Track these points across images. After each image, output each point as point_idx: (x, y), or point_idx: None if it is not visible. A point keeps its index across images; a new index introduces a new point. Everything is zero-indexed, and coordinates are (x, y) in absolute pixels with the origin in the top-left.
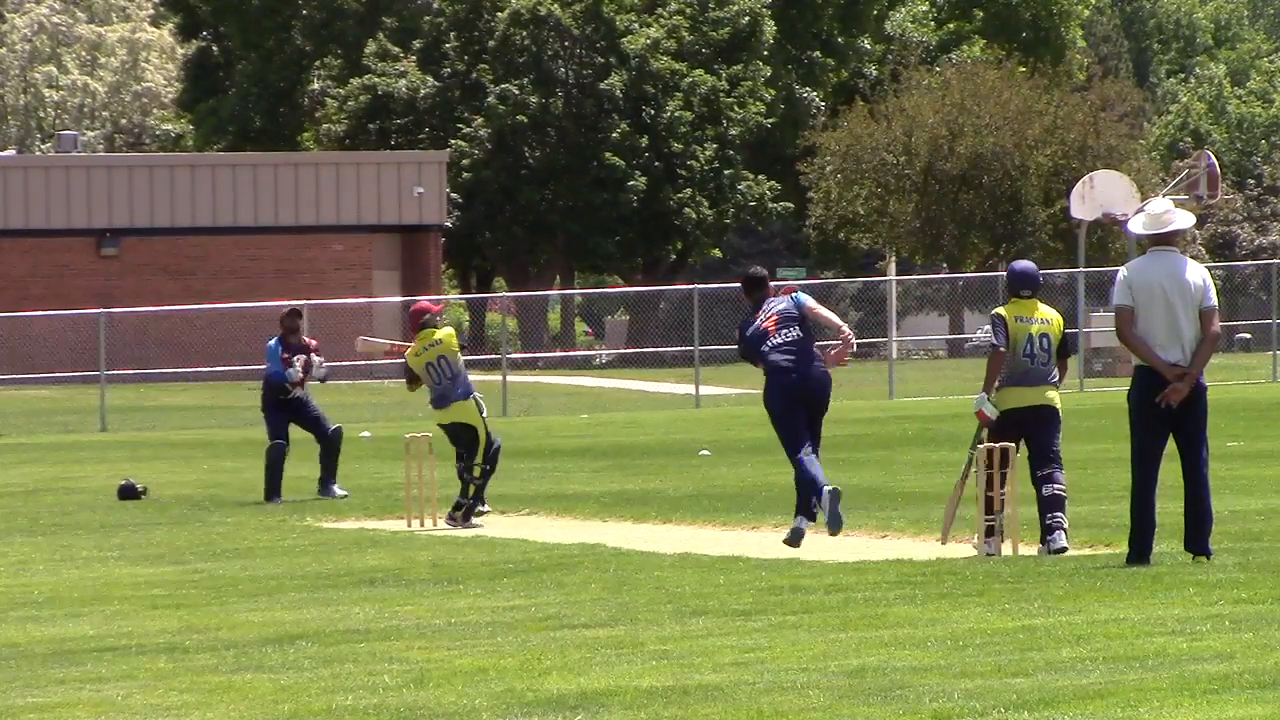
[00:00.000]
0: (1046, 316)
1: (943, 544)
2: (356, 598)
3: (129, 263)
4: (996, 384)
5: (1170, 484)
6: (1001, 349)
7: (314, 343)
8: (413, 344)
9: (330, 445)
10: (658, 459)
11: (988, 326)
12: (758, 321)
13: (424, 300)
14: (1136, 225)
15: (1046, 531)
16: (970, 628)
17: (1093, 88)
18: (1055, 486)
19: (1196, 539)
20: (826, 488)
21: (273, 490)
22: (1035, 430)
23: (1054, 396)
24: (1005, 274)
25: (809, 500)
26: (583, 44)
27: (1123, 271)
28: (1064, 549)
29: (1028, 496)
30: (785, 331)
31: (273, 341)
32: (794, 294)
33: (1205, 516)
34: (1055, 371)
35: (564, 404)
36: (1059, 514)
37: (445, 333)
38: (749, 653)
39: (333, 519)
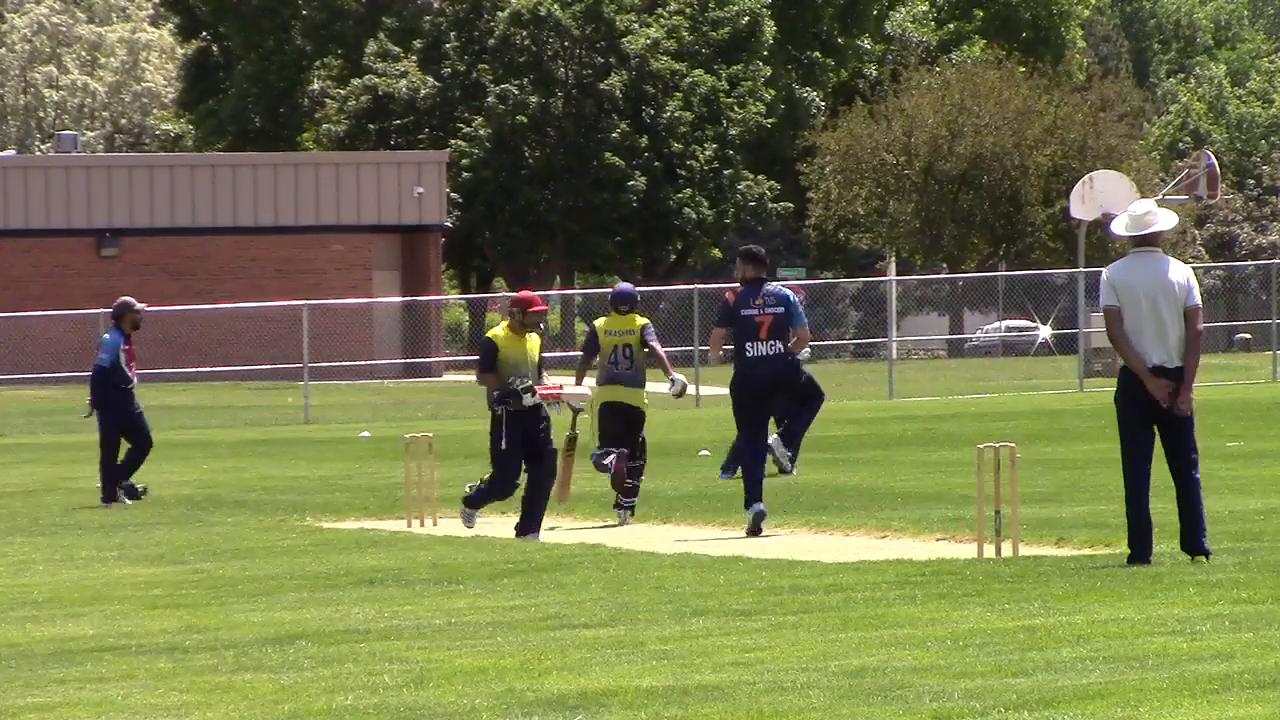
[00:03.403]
0: (634, 328)
1: (561, 501)
2: (356, 598)
3: (129, 263)
4: (598, 382)
5: (1167, 484)
6: (590, 355)
7: None
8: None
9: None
10: (658, 459)
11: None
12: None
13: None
14: (1119, 226)
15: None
16: (970, 628)
17: (1093, 88)
18: (634, 479)
19: (1192, 540)
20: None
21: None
22: (626, 427)
23: (640, 397)
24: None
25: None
26: (583, 44)
27: (1106, 273)
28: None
29: (1029, 497)
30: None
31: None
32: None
33: (1198, 518)
34: (639, 373)
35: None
36: (633, 493)
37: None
38: (749, 653)
39: (333, 519)
